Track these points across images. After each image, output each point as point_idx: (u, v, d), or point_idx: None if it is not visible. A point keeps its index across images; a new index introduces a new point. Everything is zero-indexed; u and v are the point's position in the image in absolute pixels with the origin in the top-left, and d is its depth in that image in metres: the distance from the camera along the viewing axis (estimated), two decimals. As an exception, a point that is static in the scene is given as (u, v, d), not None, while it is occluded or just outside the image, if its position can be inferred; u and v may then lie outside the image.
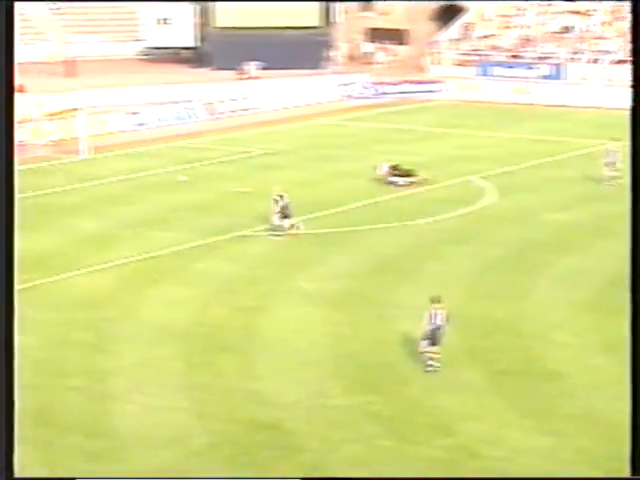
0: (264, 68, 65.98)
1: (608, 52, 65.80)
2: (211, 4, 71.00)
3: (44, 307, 25.72)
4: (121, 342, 23.47)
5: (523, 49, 69.73)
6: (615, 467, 16.18)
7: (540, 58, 67.79)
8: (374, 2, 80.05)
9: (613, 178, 37.32)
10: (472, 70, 68.40)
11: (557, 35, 70.35)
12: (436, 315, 21.20)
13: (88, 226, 33.71)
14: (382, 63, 75.51)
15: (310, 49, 68.91)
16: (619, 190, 34.66)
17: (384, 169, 39.15)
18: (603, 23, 69.99)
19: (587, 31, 69.73)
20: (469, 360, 22.14)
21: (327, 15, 72.69)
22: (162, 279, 28.11)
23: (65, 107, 49.27)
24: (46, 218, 34.41)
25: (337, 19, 73.40)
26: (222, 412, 19.77)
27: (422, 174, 39.15)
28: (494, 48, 70.52)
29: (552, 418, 19.29)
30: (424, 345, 21.33)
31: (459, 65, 70.19)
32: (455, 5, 76.18)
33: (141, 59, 75.37)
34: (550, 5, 73.03)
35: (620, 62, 62.36)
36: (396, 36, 78.06)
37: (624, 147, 32.45)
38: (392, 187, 38.23)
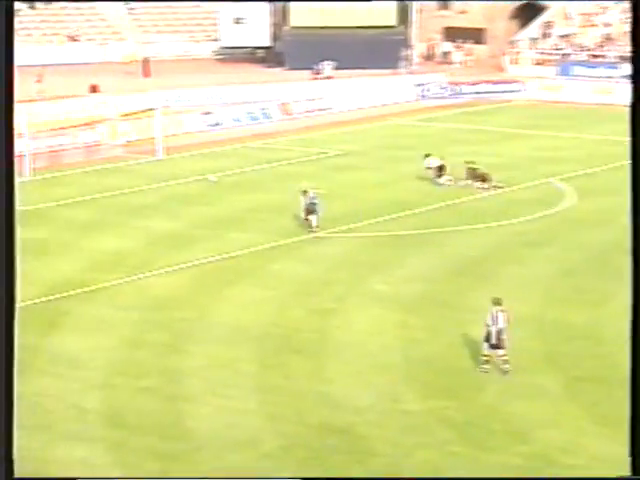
0: (338, 68, 65.72)
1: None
2: (286, 4, 70.99)
3: (120, 307, 25.86)
4: (196, 343, 23.48)
5: (605, 48, 68.59)
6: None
7: (622, 57, 66.58)
8: (451, 1, 79.43)
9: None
10: (552, 70, 67.38)
11: (640, 34, 69.05)
12: (497, 317, 20.92)
13: (164, 226, 33.84)
14: (459, 63, 74.86)
15: (386, 48, 68.43)
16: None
17: (432, 164, 38.90)
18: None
19: (671, 29, 68.35)
20: (547, 366, 21.75)
21: (403, 14, 72.24)
22: (238, 280, 28.10)
23: (141, 107, 49.61)
24: (122, 218, 34.63)
25: (413, 18, 72.91)
26: (294, 415, 19.66)
27: (495, 178, 38.40)
28: (575, 47, 69.49)
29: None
30: (486, 347, 21.10)
31: (538, 64, 69.22)
32: (536, 4, 75.25)
33: (216, 59, 75.70)
34: (633, 3, 71.71)
35: None
36: (473, 35, 77.30)
37: None
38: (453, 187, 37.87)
